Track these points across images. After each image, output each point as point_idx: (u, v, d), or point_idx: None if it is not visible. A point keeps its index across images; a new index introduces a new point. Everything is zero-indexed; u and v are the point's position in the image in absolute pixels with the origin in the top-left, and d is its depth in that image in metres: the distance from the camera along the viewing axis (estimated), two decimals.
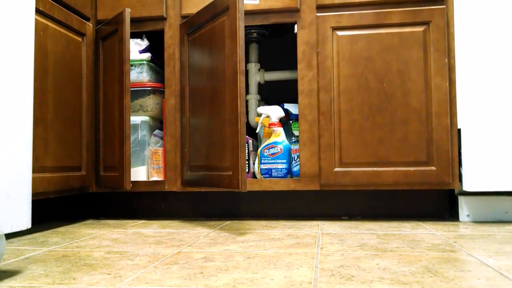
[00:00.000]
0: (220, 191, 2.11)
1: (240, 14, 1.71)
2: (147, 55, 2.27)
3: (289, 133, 2.22)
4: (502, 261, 1.20)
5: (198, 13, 1.98)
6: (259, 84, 2.44)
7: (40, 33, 1.77)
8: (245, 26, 2.15)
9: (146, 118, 2.28)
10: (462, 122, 1.90)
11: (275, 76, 2.42)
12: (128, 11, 2.01)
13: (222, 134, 1.80)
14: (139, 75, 2.27)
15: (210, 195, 2.23)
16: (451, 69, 1.93)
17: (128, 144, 1.98)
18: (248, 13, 2.06)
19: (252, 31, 2.37)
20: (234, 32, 1.72)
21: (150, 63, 2.29)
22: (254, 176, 2.20)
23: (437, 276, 1.06)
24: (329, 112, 1.98)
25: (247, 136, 2.16)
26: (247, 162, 2.12)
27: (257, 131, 2.31)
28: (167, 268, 1.18)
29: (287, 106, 2.31)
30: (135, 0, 2.17)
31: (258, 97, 2.42)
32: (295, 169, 2.11)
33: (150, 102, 2.27)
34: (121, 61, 2.00)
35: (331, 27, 2.00)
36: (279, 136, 2.13)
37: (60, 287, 1.02)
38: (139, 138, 2.26)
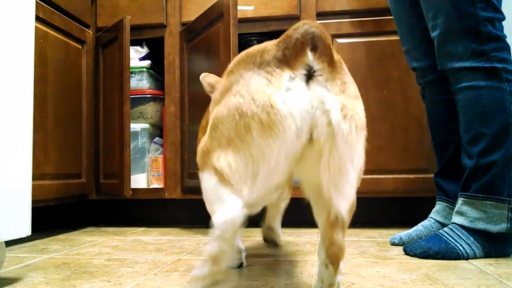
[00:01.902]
0: None
1: (234, 20, 1.72)
2: (147, 63, 2.28)
3: None
4: (502, 269, 1.20)
5: (196, 20, 1.99)
6: None
7: (40, 40, 1.78)
8: (245, 34, 2.16)
9: (146, 125, 2.28)
10: None
11: None
12: (128, 18, 2.02)
13: None
14: (139, 83, 2.27)
15: None
16: None
17: (128, 151, 1.98)
18: (248, 21, 2.07)
19: (252, 38, 2.37)
20: (228, 38, 1.73)
21: (150, 71, 2.30)
22: None
23: (437, 284, 1.05)
24: None
25: None
26: None
27: None
28: (167, 275, 1.18)
29: None
30: (135, 7, 2.18)
31: None
32: (295, 176, 2.10)
33: (150, 109, 2.28)
34: (121, 69, 2.01)
35: (331, 34, 2.01)
36: None
37: None
38: (139, 146, 2.27)
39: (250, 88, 0.73)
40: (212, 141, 0.79)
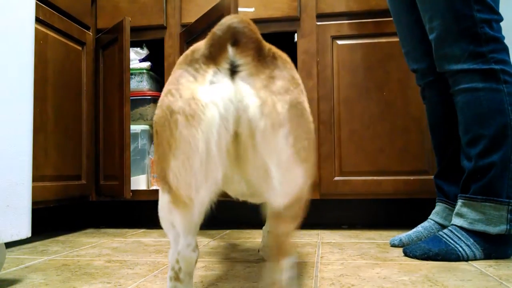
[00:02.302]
0: (219, 200, 2.10)
1: None
2: (147, 64, 2.28)
3: None
4: (502, 270, 1.20)
5: (196, 21, 1.99)
6: None
7: (40, 42, 1.78)
8: None
9: (146, 127, 2.28)
10: None
11: None
12: (128, 20, 2.02)
13: None
14: (139, 84, 2.27)
15: None
16: None
17: (128, 153, 1.98)
18: None
19: None
20: None
21: (150, 72, 2.30)
22: None
23: (437, 285, 1.05)
24: (329, 121, 1.98)
25: None
26: None
27: None
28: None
29: None
30: (135, 9, 2.18)
31: None
32: None
33: (150, 110, 2.28)
34: (121, 70, 2.01)
35: (331, 36, 2.01)
36: None
37: None
38: (139, 147, 2.26)
39: (179, 86, 0.74)
40: (158, 149, 0.78)
